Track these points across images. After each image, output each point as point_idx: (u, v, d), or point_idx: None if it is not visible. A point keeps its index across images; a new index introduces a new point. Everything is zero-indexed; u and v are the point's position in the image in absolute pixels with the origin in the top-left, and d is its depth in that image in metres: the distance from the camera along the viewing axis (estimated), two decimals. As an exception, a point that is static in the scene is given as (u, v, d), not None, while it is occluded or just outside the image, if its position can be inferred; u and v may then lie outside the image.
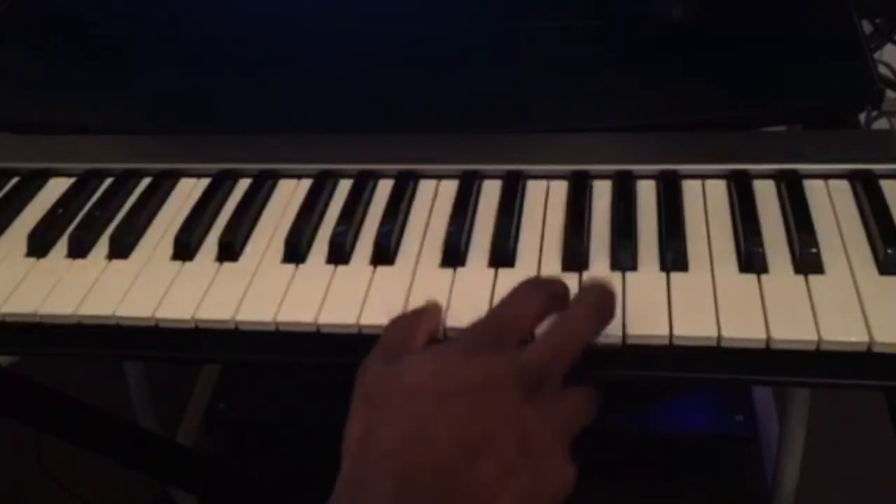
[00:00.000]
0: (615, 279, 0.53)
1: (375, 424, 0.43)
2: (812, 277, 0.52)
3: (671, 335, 0.49)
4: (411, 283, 0.55)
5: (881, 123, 0.96)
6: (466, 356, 0.44)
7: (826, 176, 0.60)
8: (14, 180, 0.68)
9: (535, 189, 0.62)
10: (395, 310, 0.52)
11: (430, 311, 0.50)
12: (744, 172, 0.60)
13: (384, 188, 0.63)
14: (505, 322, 0.47)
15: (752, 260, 0.53)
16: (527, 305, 0.47)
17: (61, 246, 0.61)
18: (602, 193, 0.61)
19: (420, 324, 0.49)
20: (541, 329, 0.48)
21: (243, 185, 0.65)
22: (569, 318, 0.47)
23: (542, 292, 0.49)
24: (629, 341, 0.50)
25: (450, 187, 0.62)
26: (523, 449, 0.42)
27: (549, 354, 0.45)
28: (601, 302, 0.48)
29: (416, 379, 0.44)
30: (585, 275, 0.54)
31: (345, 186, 0.63)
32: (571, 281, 0.53)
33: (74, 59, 0.82)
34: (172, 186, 0.66)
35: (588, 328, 0.47)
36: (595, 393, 0.46)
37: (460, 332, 0.48)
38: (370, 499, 0.41)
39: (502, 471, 0.41)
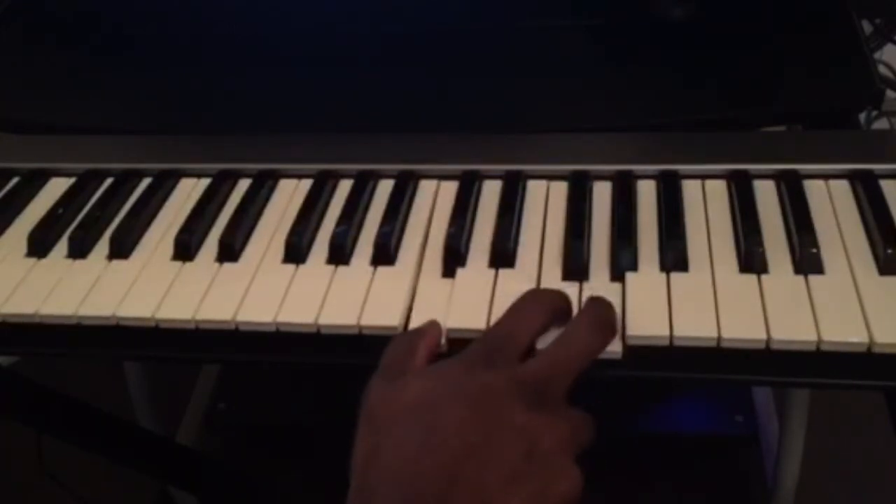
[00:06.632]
0: (615, 281, 0.53)
1: (379, 441, 0.43)
2: (812, 277, 0.52)
3: (671, 336, 0.49)
4: (411, 284, 0.55)
5: (881, 123, 0.96)
6: (466, 370, 0.45)
7: (826, 176, 0.60)
8: (14, 180, 0.68)
9: (535, 189, 0.62)
10: (396, 310, 0.53)
11: (430, 329, 0.50)
12: (744, 172, 0.60)
13: (384, 188, 0.63)
14: (504, 337, 0.47)
15: (752, 260, 0.53)
16: (526, 320, 0.48)
17: (61, 246, 0.61)
18: (602, 194, 0.61)
19: (420, 342, 0.49)
20: (543, 343, 0.48)
21: (243, 185, 0.65)
22: (570, 332, 0.47)
23: (542, 306, 0.49)
24: (629, 342, 0.50)
25: (450, 187, 0.62)
26: (529, 455, 0.42)
27: (549, 368, 0.45)
28: (604, 318, 0.49)
29: (417, 395, 0.44)
30: (586, 285, 0.53)
31: (345, 186, 0.63)
32: (572, 285, 0.53)
33: (74, 59, 0.82)
34: (172, 186, 0.66)
35: (590, 343, 0.47)
36: (592, 418, 0.46)
37: (462, 347, 0.47)
38: None
39: (508, 478, 0.41)
